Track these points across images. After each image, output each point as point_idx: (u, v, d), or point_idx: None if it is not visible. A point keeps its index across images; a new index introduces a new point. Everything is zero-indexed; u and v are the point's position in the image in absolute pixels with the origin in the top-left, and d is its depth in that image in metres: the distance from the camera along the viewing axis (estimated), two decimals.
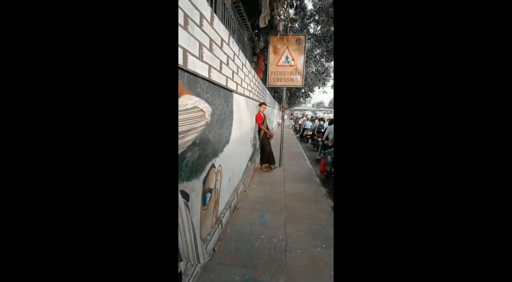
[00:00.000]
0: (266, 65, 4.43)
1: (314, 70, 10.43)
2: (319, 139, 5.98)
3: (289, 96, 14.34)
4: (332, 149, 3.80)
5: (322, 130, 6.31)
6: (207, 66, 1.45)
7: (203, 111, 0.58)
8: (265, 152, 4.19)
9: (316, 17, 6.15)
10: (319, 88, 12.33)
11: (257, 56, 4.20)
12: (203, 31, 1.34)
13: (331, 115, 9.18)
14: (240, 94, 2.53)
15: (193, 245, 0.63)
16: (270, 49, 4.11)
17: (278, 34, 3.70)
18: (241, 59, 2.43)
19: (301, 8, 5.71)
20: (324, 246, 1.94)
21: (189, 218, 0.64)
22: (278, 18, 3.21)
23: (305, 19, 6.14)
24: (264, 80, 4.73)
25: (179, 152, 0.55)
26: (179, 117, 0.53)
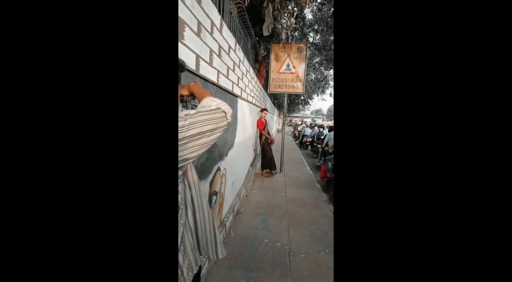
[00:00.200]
0: (267, 72, 4.51)
1: (313, 78, 10.60)
2: (319, 146, 6.03)
3: (289, 103, 14.48)
4: (333, 155, 3.84)
5: (322, 137, 6.36)
6: (216, 71, 1.50)
7: (225, 113, 0.62)
8: (266, 157, 4.21)
9: (315, 27, 6.32)
10: (317, 95, 12.49)
11: (259, 63, 4.29)
12: (213, 38, 1.40)
13: (330, 123, 9.26)
14: (244, 99, 2.58)
15: (213, 239, 0.65)
16: (272, 56, 4.21)
17: (281, 42, 3.80)
18: (245, 65, 2.50)
19: (301, 17, 5.87)
20: (327, 250, 1.95)
21: (210, 212, 0.67)
22: (281, 27, 3.31)
23: (305, 29, 6.30)
24: (265, 86, 4.81)
25: (205, 149, 0.58)
26: (205, 117, 0.57)
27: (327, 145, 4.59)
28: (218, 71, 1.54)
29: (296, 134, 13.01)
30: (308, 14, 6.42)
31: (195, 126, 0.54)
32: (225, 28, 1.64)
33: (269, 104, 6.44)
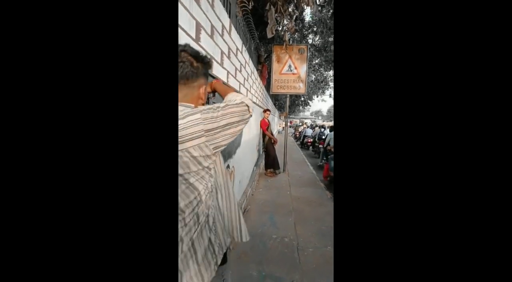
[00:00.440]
0: (269, 73, 4.59)
1: (313, 79, 10.68)
2: (321, 146, 6.08)
3: (289, 105, 14.55)
4: None
5: (323, 137, 6.42)
6: (226, 72, 1.56)
7: (248, 106, 0.67)
8: (270, 157, 4.27)
9: (315, 29, 6.41)
10: (317, 96, 12.59)
11: (262, 65, 4.36)
12: (223, 40, 1.46)
13: (330, 123, 9.31)
14: None
15: (238, 223, 0.71)
16: (274, 58, 4.28)
17: (284, 44, 3.88)
18: (250, 66, 2.56)
19: (300, 19, 5.97)
20: None
21: (235, 196, 0.72)
22: (282, 28, 3.39)
23: (304, 30, 6.39)
24: (267, 88, 4.87)
25: (232, 139, 0.64)
26: (232, 109, 0.62)
27: (328, 144, 4.65)
28: (228, 71, 1.60)
29: (297, 135, 13.07)
30: (307, 16, 6.51)
31: (225, 117, 0.60)
32: (233, 30, 1.70)
33: (270, 105, 6.51)
